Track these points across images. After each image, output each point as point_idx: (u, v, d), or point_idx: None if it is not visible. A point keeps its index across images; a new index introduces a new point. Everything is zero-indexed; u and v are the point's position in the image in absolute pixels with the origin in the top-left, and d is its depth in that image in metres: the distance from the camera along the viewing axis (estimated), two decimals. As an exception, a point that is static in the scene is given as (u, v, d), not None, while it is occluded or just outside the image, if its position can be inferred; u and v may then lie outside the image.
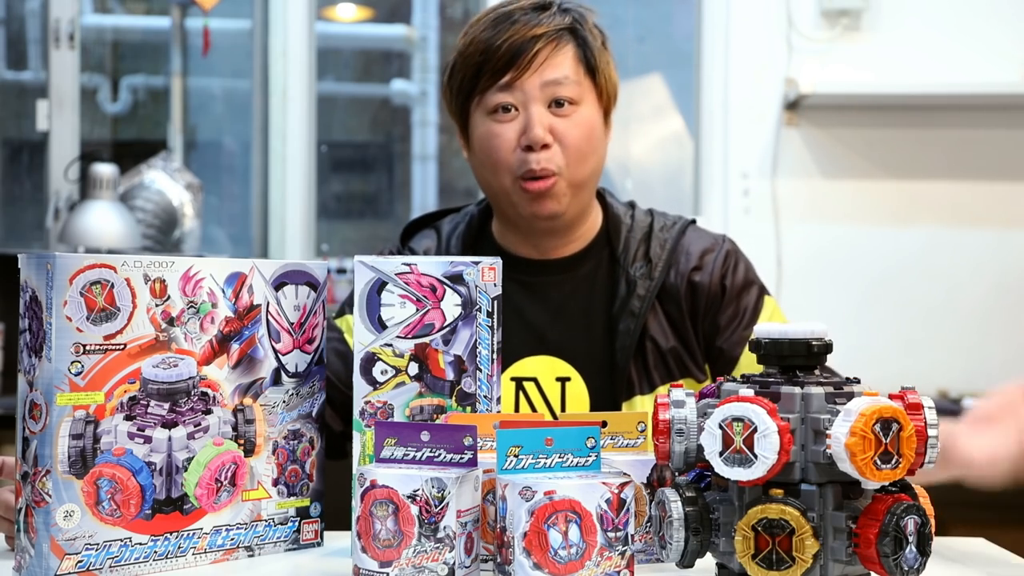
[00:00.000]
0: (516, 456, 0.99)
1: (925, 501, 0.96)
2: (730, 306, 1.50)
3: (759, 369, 1.48)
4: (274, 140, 3.53)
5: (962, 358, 3.36)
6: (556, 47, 1.46)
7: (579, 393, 1.49)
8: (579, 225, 1.53)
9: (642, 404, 1.47)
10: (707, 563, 1.00)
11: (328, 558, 1.17)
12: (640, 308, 1.48)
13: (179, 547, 1.10)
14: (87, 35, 3.64)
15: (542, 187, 1.44)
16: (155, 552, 1.08)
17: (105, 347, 1.05)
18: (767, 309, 1.52)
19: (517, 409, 1.49)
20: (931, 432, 0.93)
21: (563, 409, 1.48)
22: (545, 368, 1.49)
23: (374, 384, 1.14)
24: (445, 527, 0.97)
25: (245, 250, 3.63)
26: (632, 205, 1.59)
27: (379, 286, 1.15)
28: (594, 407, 1.48)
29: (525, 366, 1.50)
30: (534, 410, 1.49)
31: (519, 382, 1.49)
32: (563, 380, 1.49)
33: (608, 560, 0.96)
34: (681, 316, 1.50)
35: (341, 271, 3.35)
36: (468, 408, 1.15)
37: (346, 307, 1.54)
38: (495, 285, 1.16)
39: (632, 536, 0.97)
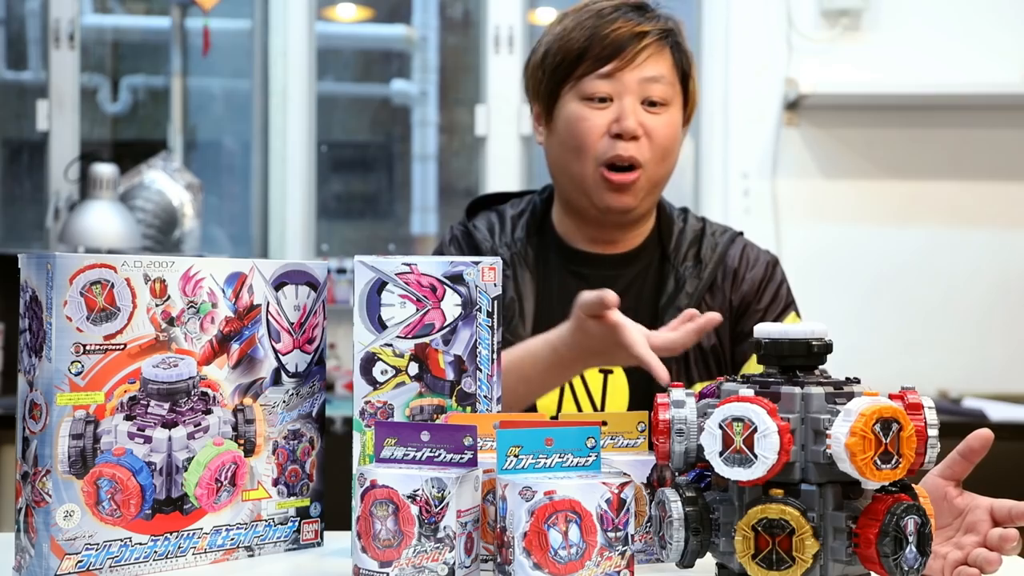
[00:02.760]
0: (516, 456, 0.99)
1: (925, 501, 0.96)
2: (757, 313, 1.54)
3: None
4: (274, 140, 3.53)
5: (962, 358, 3.36)
6: (659, 47, 1.50)
7: (620, 386, 1.51)
8: (642, 223, 1.57)
9: None
10: (707, 563, 1.00)
11: (328, 558, 1.17)
12: (687, 305, 1.50)
13: (179, 547, 1.10)
14: (87, 35, 3.64)
15: (626, 180, 1.48)
16: (155, 552, 1.08)
17: (105, 347, 1.05)
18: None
19: (560, 397, 1.52)
20: (931, 432, 0.93)
21: (603, 400, 1.51)
22: None
23: (374, 384, 1.14)
24: (445, 527, 0.97)
25: (245, 250, 3.63)
26: (684, 210, 1.63)
27: (379, 286, 1.15)
28: (633, 401, 1.51)
29: None
30: (575, 399, 1.52)
31: None
32: (606, 372, 1.52)
33: (608, 560, 0.96)
34: (723, 319, 1.51)
35: (341, 271, 3.35)
36: (468, 408, 1.15)
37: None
38: (495, 285, 1.16)
39: (632, 536, 0.97)
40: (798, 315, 1.59)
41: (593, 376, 1.51)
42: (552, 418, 1.11)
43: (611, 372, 1.51)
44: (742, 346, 1.54)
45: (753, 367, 1.50)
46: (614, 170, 1.48)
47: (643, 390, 1.50)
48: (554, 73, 1.51)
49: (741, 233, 1.61)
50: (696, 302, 1.51)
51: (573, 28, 1.49)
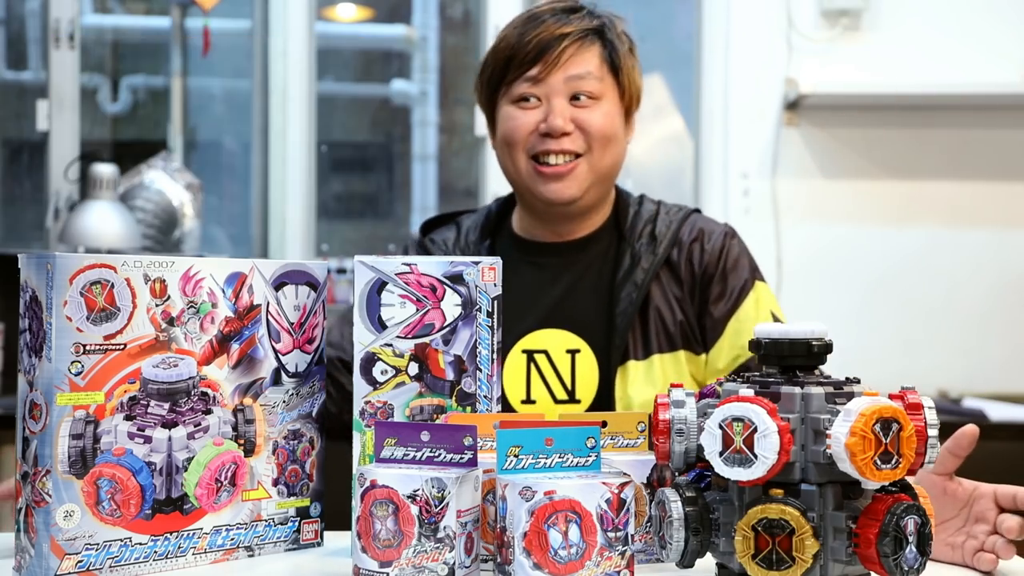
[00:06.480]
0: (516, 456, 0.99)
1: (925, 501, 0.96)
2: (719, 284, 1.54)
3: (741, 348, 1.51)
4: (274, 140, 3.52)
5: (962, 358, 3.36)
6: (582, 46, 1.53)
7: (589, 364, 1.53)
8: (594, 212, 1.59)
9: (635, 369, 1.51)
10: (707, 563, 1.00)
11: (328, 558, 1.17)
12: (643, 279, 1.53)
13: (179, 547, 1.10)
14: (87, 35, 3.64)
15: (560, 170, 1.51)
16: (155, 552, 1.08)
17: (105, 347, 1.05)
18: (755, 293, 1.55)
19: (528, 381, 1.52)
20: (931, 432, 0.93)
21: (573, 380, 1.52)
22: (555, 341, 1.54)
23: (374, 384, 1.14)
24: (445, 527, 0.97)
25: (245, 250, 3.63)
26: (641, 196, 1.65)
27: (379, 286, 1.15)
28: (601, 377, 1.52)
29: (535, 339, 1.54)
30: (544, 380, 1.52)
31: (530, 354, 1.54)
32: (573, 352, 1.53)
33: (608, 560, 0.96)
34: (683, 294, 1.55)
35: (341, 271, 3.35)
36: (468, 408, 1.15)
37: None
38: (495, 285, 1.16)
39: (632, 536, 0.97)
40: (764, 283, 1.58)
41: (561, 356, 1.53)
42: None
43: (579, 351, 1.53)
44: (708, 320, 1.53)
45: (726, 351, 1.51)
46: (545, 165, 1.52)
47: (612, 368, 1.51)
48: (489, 82, 1.57)
49: (697, 210, 1.64)
50: (651, 276, 1.53)
51: (504, 37, 1.55)
